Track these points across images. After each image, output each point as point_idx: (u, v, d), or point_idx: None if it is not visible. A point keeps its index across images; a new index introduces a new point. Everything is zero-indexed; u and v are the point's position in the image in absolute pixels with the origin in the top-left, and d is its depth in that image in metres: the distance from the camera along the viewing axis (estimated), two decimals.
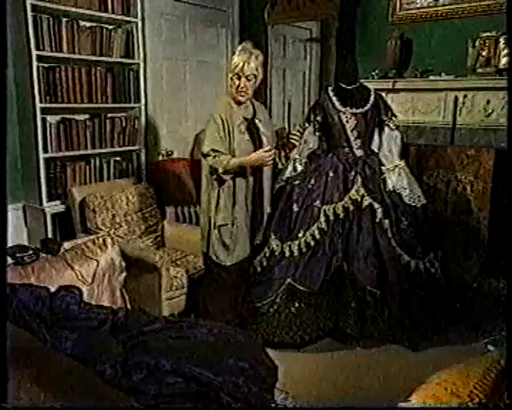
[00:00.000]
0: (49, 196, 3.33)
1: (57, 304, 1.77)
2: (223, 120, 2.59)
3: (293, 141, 2.82)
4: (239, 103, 2.64)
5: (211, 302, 2.66)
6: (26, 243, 3.33)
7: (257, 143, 2.65)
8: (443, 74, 3.39)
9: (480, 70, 3.24)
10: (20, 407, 1.02)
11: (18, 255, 2.40)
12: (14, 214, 3.35)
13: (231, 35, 4.54)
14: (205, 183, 2.69)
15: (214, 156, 2.55)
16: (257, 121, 2.71)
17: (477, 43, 3.23)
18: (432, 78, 3.43)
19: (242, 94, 2.59)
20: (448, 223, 3.24)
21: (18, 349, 1.20)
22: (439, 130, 3.46)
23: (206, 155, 2.59)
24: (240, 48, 2.64)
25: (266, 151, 2.53)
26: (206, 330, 1.71)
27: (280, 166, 2.90)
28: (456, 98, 3.33)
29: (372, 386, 2.30)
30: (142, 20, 3.71)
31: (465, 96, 3.30)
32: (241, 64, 2.54)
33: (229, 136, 2.61)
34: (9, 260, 2.38)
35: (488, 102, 3.20)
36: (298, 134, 2.84)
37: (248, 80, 2.57)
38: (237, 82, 2.57)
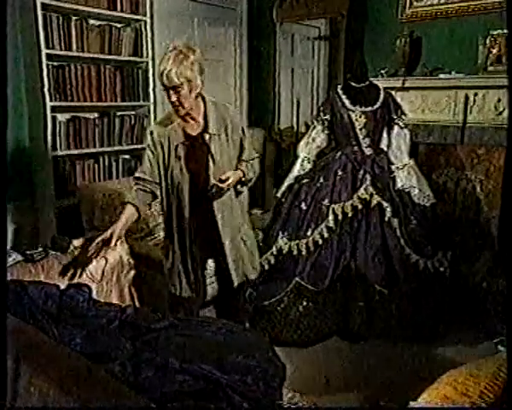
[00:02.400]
0: (58, 193, 3.35)
1: (67, 301, 1.79)
2: (154, 139, 2.13)
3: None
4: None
5: None
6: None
7: (201, 173, 2.09)
8: (453, 72, 3.36)
9: (490, 68, 3.21)
10: (20, 407, 1.03)
11: (28, 253, 2.42)
12: (23, 212, 3.38)
13: (239, 33, 4.54)
14: None
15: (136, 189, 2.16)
16: (206, 137, 2.07)
17: (487, 41, 3.20)
18: (442, 76, 3.41)
19: (176, 109, 2.03)
20: (457, 222, 3.21)
21: (28, 346, 1.21)
22: (449, 128, 3.43)
23: None
24: (170, 48, 2.04)
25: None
26: (214, 329, 1.72)
27: None
28: (467, 97, 3.30)
29: (380, 386, 2.29)
30: (151, 18, 3.72)
31: (476, 95, 3.27)
32: (159, 71, 1.95)
33: (165, 161, 2.12)
34: (19, 258, 2.41)
35: (499, 100, 3.17)
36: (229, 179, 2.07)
37: (176, 91, 1.96)
38: (166, 94, 2.01)
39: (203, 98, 2.11)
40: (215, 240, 2.18)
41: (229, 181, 2.06)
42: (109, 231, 2.05)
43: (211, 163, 2.08)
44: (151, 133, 2.16)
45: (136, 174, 2.21)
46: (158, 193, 2.20)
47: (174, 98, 1.98)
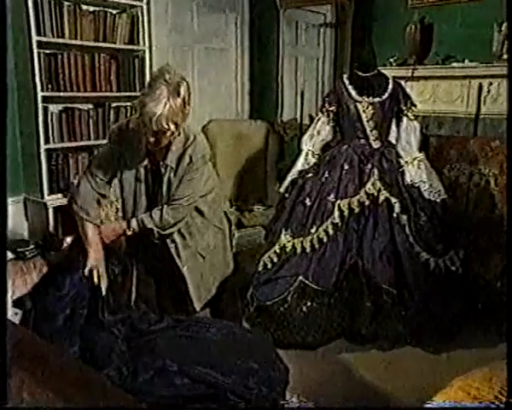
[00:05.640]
0: (51, 188, 3.35)
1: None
2: (116, 140, 2.04)
3: None
4: None
5: None
6: (27, 238, 3.37)
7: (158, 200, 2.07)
8: (466, 61, 3.35)
9: (506, 56, 3.19)
10: (21, 407, 1.03)
11: (19, 250, 2.44)
12: (14, 208, 3.39)
13: (241, 20, 4.53)
14: None
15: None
16: (162, 170, 2.02)
17: (503, 27, 3.18)
18: (454, 65, 3.39)
19: (156, 146, 1.95)
20: (470, 219, 3.21)
21: (20, 348, 1.21)
22: (462, 120, 3.42)
23: None
24: (153, 76, 1.91)
25: None
26: (214, 330, 1.72)
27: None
28: (481, 86, 3.28)
29: (387, 390, 2.29)
30: (148, 4, 3.71)
31: (490, 84, 3.26)
32: (148, 113, 1.78)
33: (123, 175, 2.07)
34: (10, 256, 2.42)
35: None
36: None
37: (160, 133, 1.86)
38: (145, 130, 1.87)
39: None
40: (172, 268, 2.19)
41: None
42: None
43: (159, 196, 2.05)
44: (120, 129, 2.06)
45: (96, 170, 2.11)
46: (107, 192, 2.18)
47: (153, 140, 1.88)
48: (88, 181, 2.10)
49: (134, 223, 2.06)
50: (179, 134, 1.96)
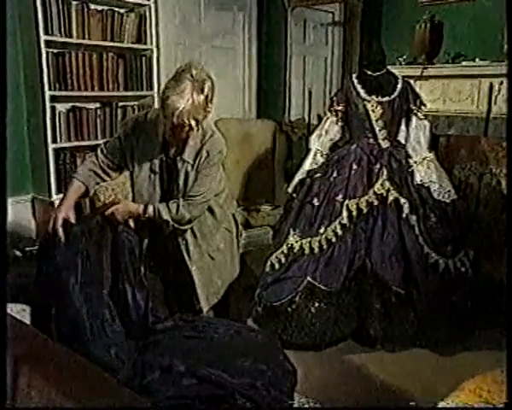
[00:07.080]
0: (59, 187, 3.37)
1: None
2: (130, 132, 2.07)
3: None
4: None
5: None
6: (35, 237, 3.39)
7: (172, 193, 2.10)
8: (477, 60, 3.33)
9: None
10: (21, 407, 1.04)
11: (27, 249, 2.45)
12: (22, 207, 3.41)
13: (249, 19, 4.53)
14: None
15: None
16: (179, 165, 2.06)
17: None
18: (465, 63, 3.38)
19: (173, 139, 2.00)
20: (481, 220, 3.18)
21: (28, 347, 1.22)
22: (472, 120, 3.40)
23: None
24: (180, 70, 1.93)
25: None
26: (222, 330, 1.72)
27: None
28: (492, 85, 3.26)
29: (396, 392, 2.28)
30: (156, 3, 3.72)
31: (501, 83, 3.23)
32: (170, 108, 1.82)
33: (134, 166, 2.10)
34: (18, 254, 2.44)
35: None
36: None
37: (178, 129, 1.91)
38: (165, 122, 1.91)
39: None
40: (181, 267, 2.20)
41: (112, 210, 2.04)
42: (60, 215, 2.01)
43: (175, 190, 2.07)
44: (138, 119, 2.09)
45: (101, 153, 2.16)
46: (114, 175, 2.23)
47: (170, 132, 1.93)
48: (91, 161, 2.17)
49: (150, 209, 2.06)
50: (198, 130, 1.98)
